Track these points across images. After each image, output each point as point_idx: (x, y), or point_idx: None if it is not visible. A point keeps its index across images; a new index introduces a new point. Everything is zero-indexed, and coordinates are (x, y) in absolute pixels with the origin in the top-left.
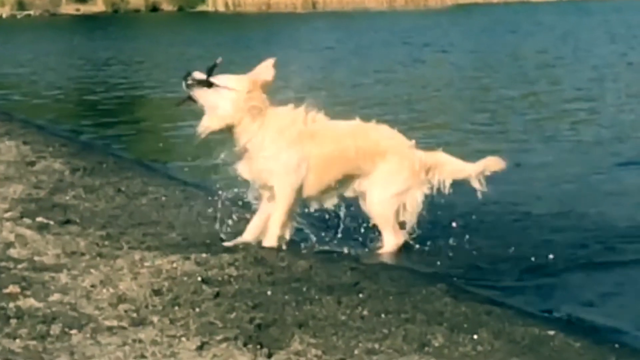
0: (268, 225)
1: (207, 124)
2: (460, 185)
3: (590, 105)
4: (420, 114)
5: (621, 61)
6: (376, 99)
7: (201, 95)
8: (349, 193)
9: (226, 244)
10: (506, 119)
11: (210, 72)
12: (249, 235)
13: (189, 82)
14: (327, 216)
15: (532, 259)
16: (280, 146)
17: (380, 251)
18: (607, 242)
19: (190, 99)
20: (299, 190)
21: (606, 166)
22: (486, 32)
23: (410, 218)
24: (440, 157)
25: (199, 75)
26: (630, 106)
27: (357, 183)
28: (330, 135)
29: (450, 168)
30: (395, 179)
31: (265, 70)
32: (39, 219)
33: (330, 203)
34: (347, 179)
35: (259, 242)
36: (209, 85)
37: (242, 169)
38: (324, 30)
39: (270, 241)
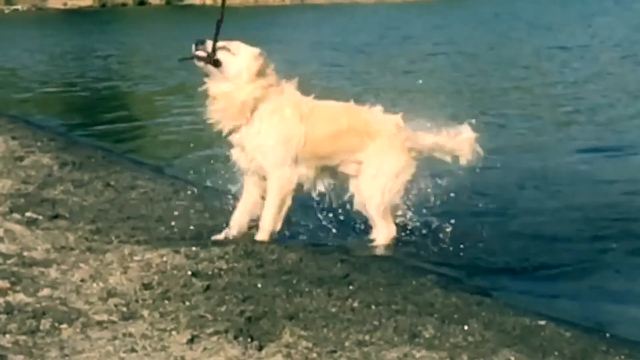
0: (260, 218)
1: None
2: (451, 176)
3: (571, 93)
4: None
5: (602, 50)
6: (353, 91)
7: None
8: (339, 179)
9: (214, 237)
10: (483, 108)
11: (215, 40)
12: (233, 228)
13: (199, 53)
14: (316, 208)
15: (522, 250)
16: (276, 133)
17: (373, 243)
18: (595, 233)
19: (198, 59)
20: (294, 180)
21: (591, 154)
22: (471, 23)
23: (400, 201)
24: (423, 137)
25: (208, 47)
26: (611, 94)
27: (348, 166)
28: (325, 113)
29: (432, 143)
30: (385, 168)
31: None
32: (28, 213)
33: (321, 184)
34: (340, 157)
35: (249, 235)
36: (216, 64)
37: (237, 157)
38: (311, 24)
39: (262, 235)
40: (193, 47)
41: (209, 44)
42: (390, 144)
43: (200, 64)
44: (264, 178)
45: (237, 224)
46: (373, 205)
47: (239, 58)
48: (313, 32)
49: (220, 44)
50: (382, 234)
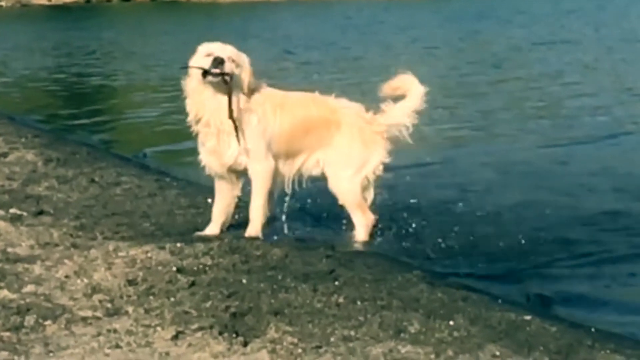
0: (250, 214)
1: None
2: (437, 173)
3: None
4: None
5: (585, 44)
6: (335, 87)
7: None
8: (307, 171)
9: (197, 234)
10: (464, 102)
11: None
12: (215, 226)
13: (215, 70)
14: (300, 204)
15: (508, 245)
16: (255, 131)
17: (353, 233)
18: (580, 227)
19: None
20: (272, 170)
21: (574, 146)
22: (453, 21)
23: (371, 187)
24: (390, 113)
25: (226, 67)
26: (591, 87)
27: (316, 158)
28: (295, 103)
29: (400, 114)
30: (352, 157)
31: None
32: (12, 210)
33: (290, 178)
34: (308, 148)
35: (234, 231)
36: (226, 80)
37: (208, 161)
38: (296, 20)
39: (253, 229)
40: (209, 63)
41: (227, 65)
42: (355, 132)
43: (217, 79)
44: (235, 177)
45: (217, 221)
46: (346, 199)
47: (244, 70)
48: (293, 29)
49: (228, 53)
50: (361, 226)
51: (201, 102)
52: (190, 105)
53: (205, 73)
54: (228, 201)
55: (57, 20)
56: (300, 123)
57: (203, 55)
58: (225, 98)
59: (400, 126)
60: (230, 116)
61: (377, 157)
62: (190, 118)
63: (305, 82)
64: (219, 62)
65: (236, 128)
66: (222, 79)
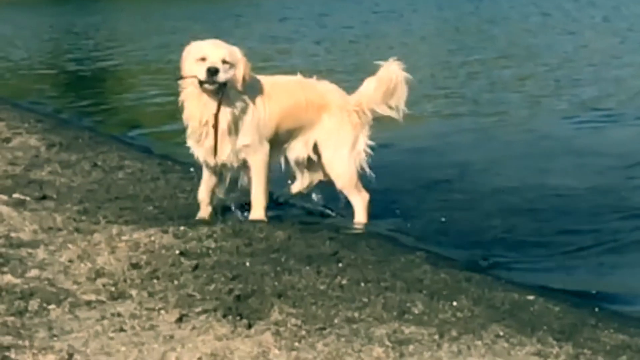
0: (252, 200)
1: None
2: (437, 152)
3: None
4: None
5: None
6: (322, 67)
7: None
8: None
9: (199, 216)
10: (461, 83)
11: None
12: (204, 213)
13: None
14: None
15: (510, 225)
16: (251, 125)
17: (354, 218)
18: (583, 206)
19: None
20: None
21: (576, 124)
22: (450, 3)
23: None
24: (365, 92)
25: (220, 77)
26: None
27: (305, 140)
28: (284, 90)
29: (378, 94)
30: (344, 137)
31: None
32: (16, 195)
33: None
34: (297, 132)
35: (236, 214)
36: (221, 87)
37: (205, 157)
38: (295, 6)
39: (257, 212)
40: (204, 74)
41: (221, 75)
42: (345, 114)
43: (213, 87)
44: (227, 168)
45: (205, 203)
46: (344, 179)
47: (239, 68)
48: (292, 14)
49: (221, 54)
50: (360, 207)
51: (200, 105)
52: (189, 109)
53: (201, 82)
54: (213, 187)
55: (59, 6)
56: (289, 109)
57: (196, 59)
58: (230, 98)
59: (377, 106)
60: (216, 116)
61: (363, 138)
62: (188, 119)
63: (300, 66)
64: (212, 72)
65: (216, 127)
66: (217, 87)
